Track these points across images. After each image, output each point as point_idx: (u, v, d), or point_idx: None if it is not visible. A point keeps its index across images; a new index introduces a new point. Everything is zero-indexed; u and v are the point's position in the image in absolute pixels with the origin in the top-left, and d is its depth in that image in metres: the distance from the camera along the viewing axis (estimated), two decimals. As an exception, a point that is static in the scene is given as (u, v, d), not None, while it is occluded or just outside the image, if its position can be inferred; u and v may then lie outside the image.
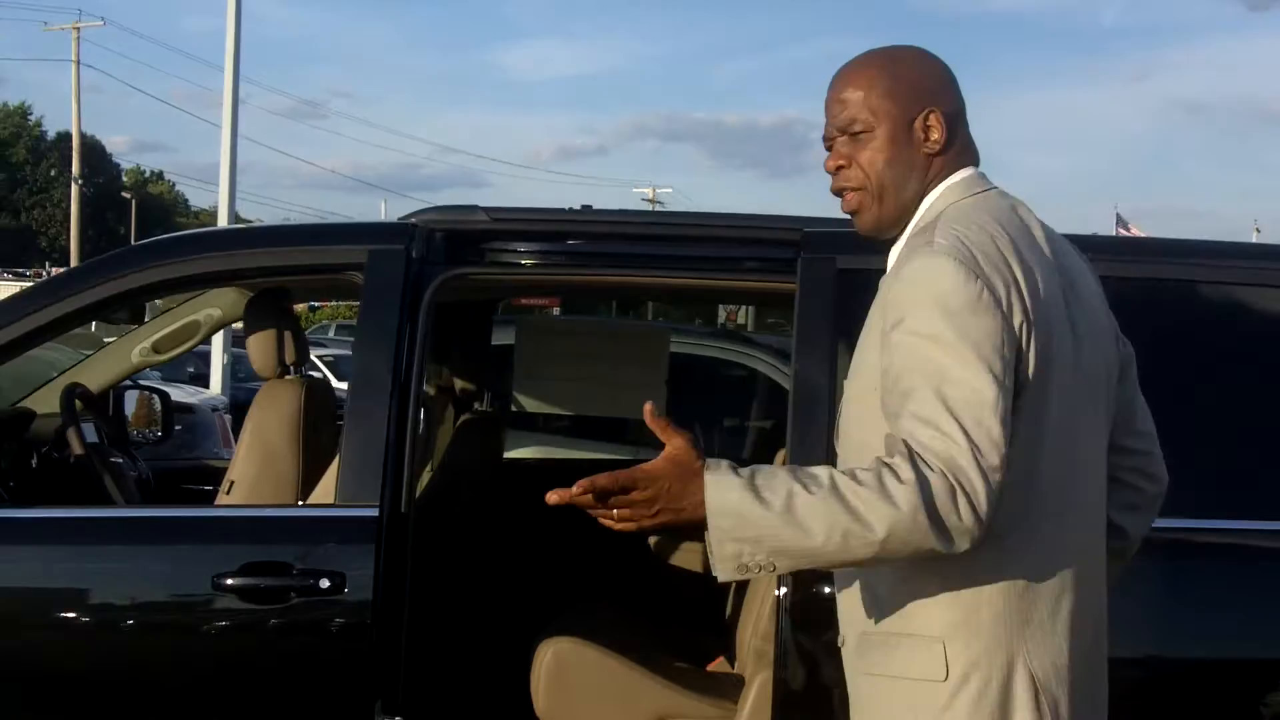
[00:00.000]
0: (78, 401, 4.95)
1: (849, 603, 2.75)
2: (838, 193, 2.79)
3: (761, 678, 4.16)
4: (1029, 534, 2.56)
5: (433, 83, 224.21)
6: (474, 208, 4.37)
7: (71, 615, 4.02)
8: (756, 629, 4.42)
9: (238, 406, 19.42)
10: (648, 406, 2.52)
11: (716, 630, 5.28)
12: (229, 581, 3.87)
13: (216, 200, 24.91)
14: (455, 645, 5.35)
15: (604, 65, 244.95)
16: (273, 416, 4.52)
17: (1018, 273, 2.54)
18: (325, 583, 3.86)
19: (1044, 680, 2.56)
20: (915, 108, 2.70)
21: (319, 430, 4.66)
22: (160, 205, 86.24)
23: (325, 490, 4.32)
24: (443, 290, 4.22)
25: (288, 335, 4.63)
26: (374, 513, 3.93)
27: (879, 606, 2.65)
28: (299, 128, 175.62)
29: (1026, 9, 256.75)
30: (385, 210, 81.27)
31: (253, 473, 4.47)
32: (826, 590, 3.19)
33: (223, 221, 24.75)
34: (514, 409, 6.58)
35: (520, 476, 6.17)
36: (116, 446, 5.25)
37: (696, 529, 2.44)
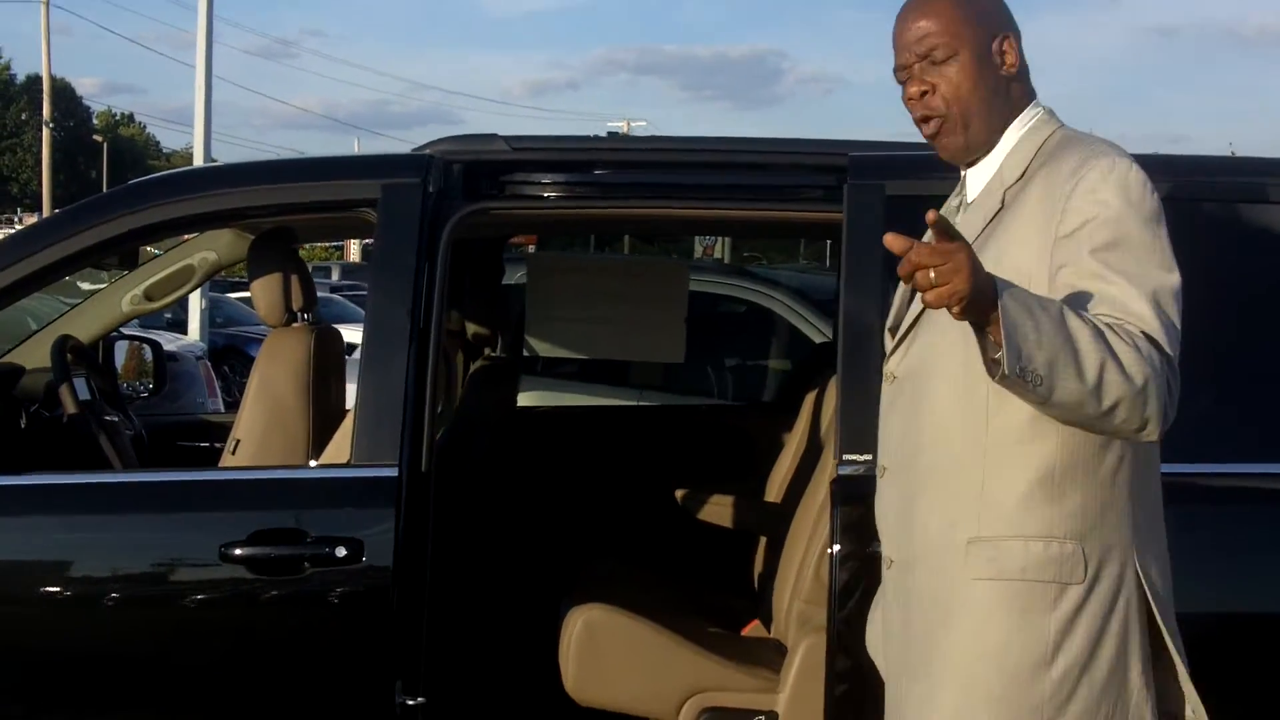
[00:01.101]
0: (69, 355, 4.59)
1: (944, 510, 2.72)
2: (923, 119, 2.81)
3: (808, 644, 3.89)
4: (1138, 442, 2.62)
5: (405, 20, 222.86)
6: (493, 136, 4.04)
7: (68, 590, 3.69)
8: (798, 591, 4.14)
9: (215, 353, 19.13)
10: (930, 214, 2.42)
11: (746, 591, 4.99)
12: (237, 551, 3.57)
13: (188, 142, 24.52)
14: (477, 614, 5.04)
15: (575, 1, 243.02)
16: (281, 368, 4.18)
17: None
18: (341, 551, 3.55)
19: (1152, 583, 2.67)
20: (992, 32, 2.76)
21: (329, 382, 4.33)
22: (132, 148, 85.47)
23: (339, 448, 4.00)
24: (462, 227, 3.89)
25: (294, 279, 4.29)
26: (393, 473, 3.61)
27: (1001, 510, 2.65)
28: (271, 66, 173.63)
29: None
30: (358, 149, 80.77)
31: (260, 430, 4.14)
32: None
33: (199, 163, 24.31)
34: (526, 353, 6.24)
35: (535, 427, 5.84)
36: (110, 403, 4.90)
37: (988, 317, 2.38)
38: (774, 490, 5.11)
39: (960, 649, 2.68)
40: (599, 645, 4.07)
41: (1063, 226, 2.59)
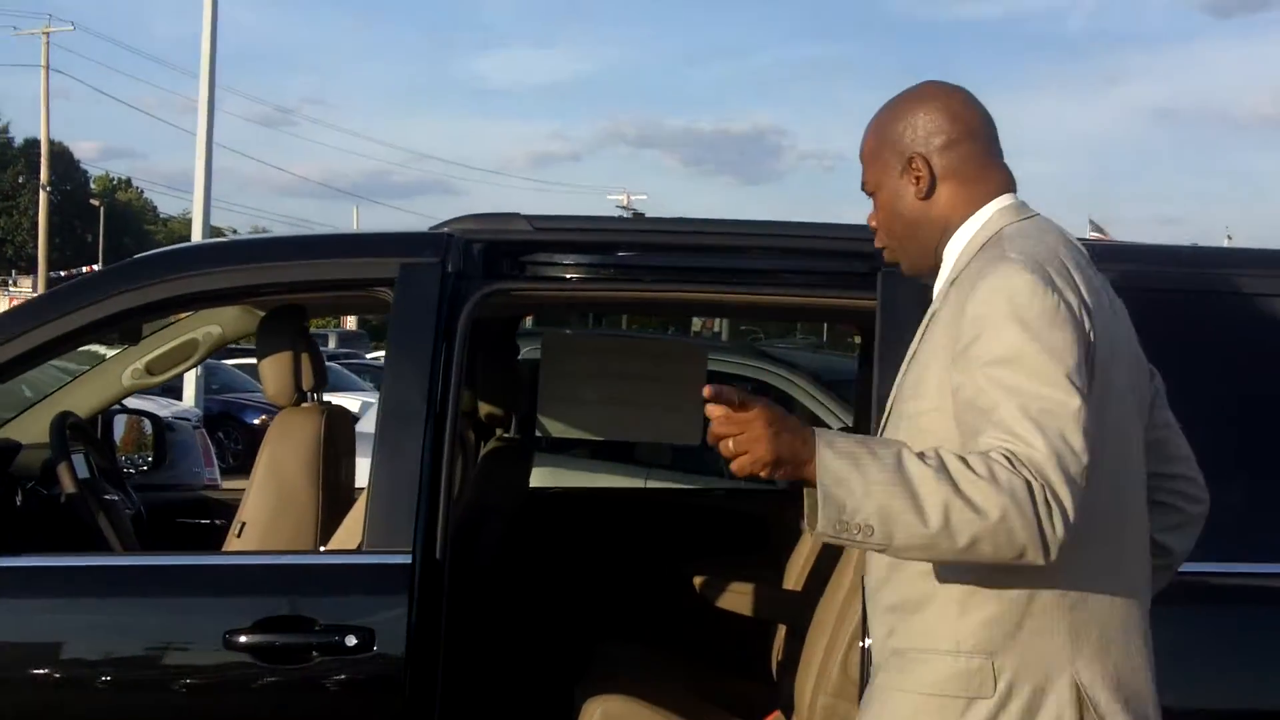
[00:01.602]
0: (68, 431, 4.46)
1: (877, 625, 2.72)
2: (877, 242, 2.88)
3: None
4: (1085, 545, 2.48)
5: (406, 90, 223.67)
6: (514, 215, 3.94)
7: (68, 676, 3.54)
8: (822, 684, 3.99)
9: (210, 420, 18.99)
10: (706, 389, 2.41)
11: (764, 678, 4.85)
12: (243, 639, 3.43)
13: (185, 207, 24.62)
14: (491, 704, 4.89)
15: (577, 72, 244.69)
16: (290, 449, 4.05)
17: (1082, 287, 2.55)
18: (352, 640, 3.42)
19: (1092, 695, 2.52)
20: (901, 158, 2.75)
21: (339, 464, 4.20)
22: (129, 213, 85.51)
23: (349, 534, 3.88)
24: (481, 308, 3.78)
25: (305, 358, 4.18)
26: (406, 559, 3.49)
27: (920, 623, 2.61)
28: (271, 134, 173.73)
29: (992, 16, 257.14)
30: (357, 218, 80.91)
31: (268, 513, 4.01)
32: None
33: (198, 230, 24.30)
34: (538, 434, 6.11)
35: (548, 509, 5.70)
36: (110, 481, 4.76)
37: (794, 473, 2.37)
38: (793, 578, 4.98)
39: None
40: None
41: (960, 340, 2.52)
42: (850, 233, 3.87)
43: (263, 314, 4.96)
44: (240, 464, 18.74)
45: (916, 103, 2.77)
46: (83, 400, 5.03)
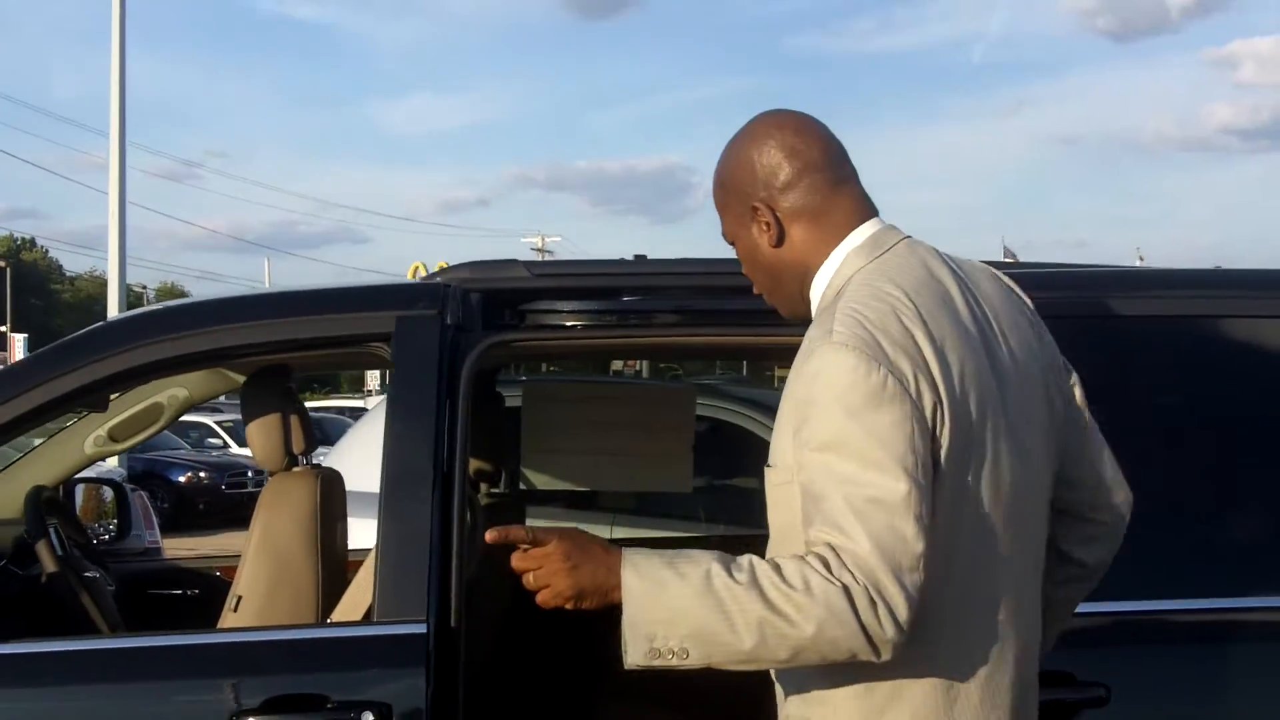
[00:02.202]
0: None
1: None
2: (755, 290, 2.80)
3: None
4: (947, 628, 2.44)
5: (309, 140, 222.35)
6: (513, 262, 3.79)
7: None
8: None
9: (134, 479, 18.61)
10: (489, 534, 2.46)
11: None
12: None
13: (92, 265, 24.35)
14: None
15: (481, 117, 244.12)
16: (285, 517, 3.85)
17: (926, 351, 2.41)
18: (369, 716, 3.22)
19: None
20: (745, 209, 2.63)
21: (335, 530, 4.00)
22: (35, 272, 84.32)
23: (353, 604, 3.69)
24: (483, 360, 3.61)
25: (294, 420, 3.98)
26: (421, 629, 3.30)
27: (798, 707, 2.56)
28: (176, 188, 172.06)
29: (898, 48, 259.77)
30: (269, 270, 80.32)
31: (265, 585, 3.81)
32: None
33: (114, 288, 23.93)
34: (522, 486, 5.91)
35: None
36: (87, 556, 4.53)
37: (607, 607, 2.38)
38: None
39: None
40: None
41: (795, 417, 2.44)
42: None
43: (233, 375, 4.78)
44: (170, 523, 18.41)
45: (749, 142, 2.62)
46: (45, 471, 4.81)
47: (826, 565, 2.29)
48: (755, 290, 2.76)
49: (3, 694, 3.36)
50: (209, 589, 5.10)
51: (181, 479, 22.21)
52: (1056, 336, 2.82)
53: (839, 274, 2.56)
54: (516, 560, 2.42)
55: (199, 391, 4.89)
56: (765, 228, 2.60)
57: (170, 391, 4.87)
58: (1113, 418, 3.52)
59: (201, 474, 22.39)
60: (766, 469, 2.57)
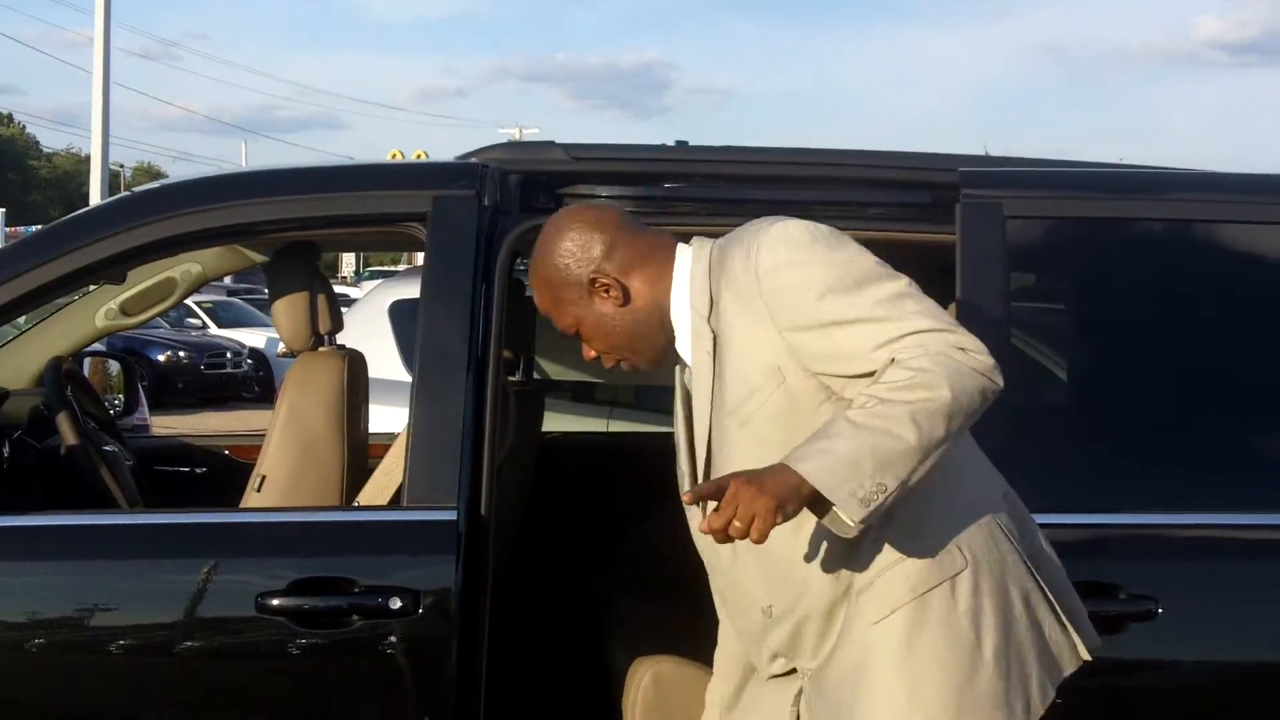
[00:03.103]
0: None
1: (823, 587, 2.69)
2: (607, 364, 2.89)
3: None
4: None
5: (288, 23, 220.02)
6: (551, 144, 3.70)
7: (83, 643, 3.28)
8: None
9: (113, 356, 18.41)
10: (686, 495, 2.60)
11: None
12: (276, 602, 3.19)
13: (69, 142, 24.05)
14: (532, 665, 4.66)
15: (464, 8, 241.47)
16: (311, 398, 3.78)
17: None
18: (396, 602, 3.18)
19: (1012, 531, 2.73)
20: (582, 290, 2.78)
21: (360, 413, 3.93)
22: (12, 148, 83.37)
23: (379, 488, 3.64)
24: (520, 244, 3.53)
25: (321, 299, 3.89)
26: (451, 515, 3.25)
27: (858, 556, 2.64)
28: (155, 68, 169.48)
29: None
30: (245, 153, 79.58)
31: (290, 465, 3.74)
32: None
33: (97, 165, 23.71)
34: (537, 375, 5.83)
35: (564, 457, 5.43)
36: (105, 430, 4.45)
37: (800, 501, 2.43)
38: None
39: (898, 691, 2.61)
40: (667, 700, 3.70)
41: (784, 319, 2.60)
42: (922, 162, 3.68)
43: (249, 253, 4.68)
44: (151, 401, 18.29)
45: (556, 240, 2.80)
46: (55, 344, 4.70)
47: (906, 350, 2.49)
48: (610, 362, 2.85)
49: (22, 566, 3.30)
50: (217, 467, 5.03)
51: (161, 358, 21.98)
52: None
53: (696, 265, 2.75)
54: (715, 520, 2.42)
55: (213, 268, 4.79)
56: (607, 293, 2.76)
57: (184, 267, 4.77)
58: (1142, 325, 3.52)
59: (181, 353, 22.18)
60: (726, 419, 2.69)
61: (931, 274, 4.04)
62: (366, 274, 45.64)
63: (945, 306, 3.56)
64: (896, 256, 4.66)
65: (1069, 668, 2.75)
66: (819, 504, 2.43)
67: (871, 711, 2.63)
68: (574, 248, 2.77)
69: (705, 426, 2.74)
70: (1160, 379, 3.55)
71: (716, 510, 2.42)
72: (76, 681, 3.28)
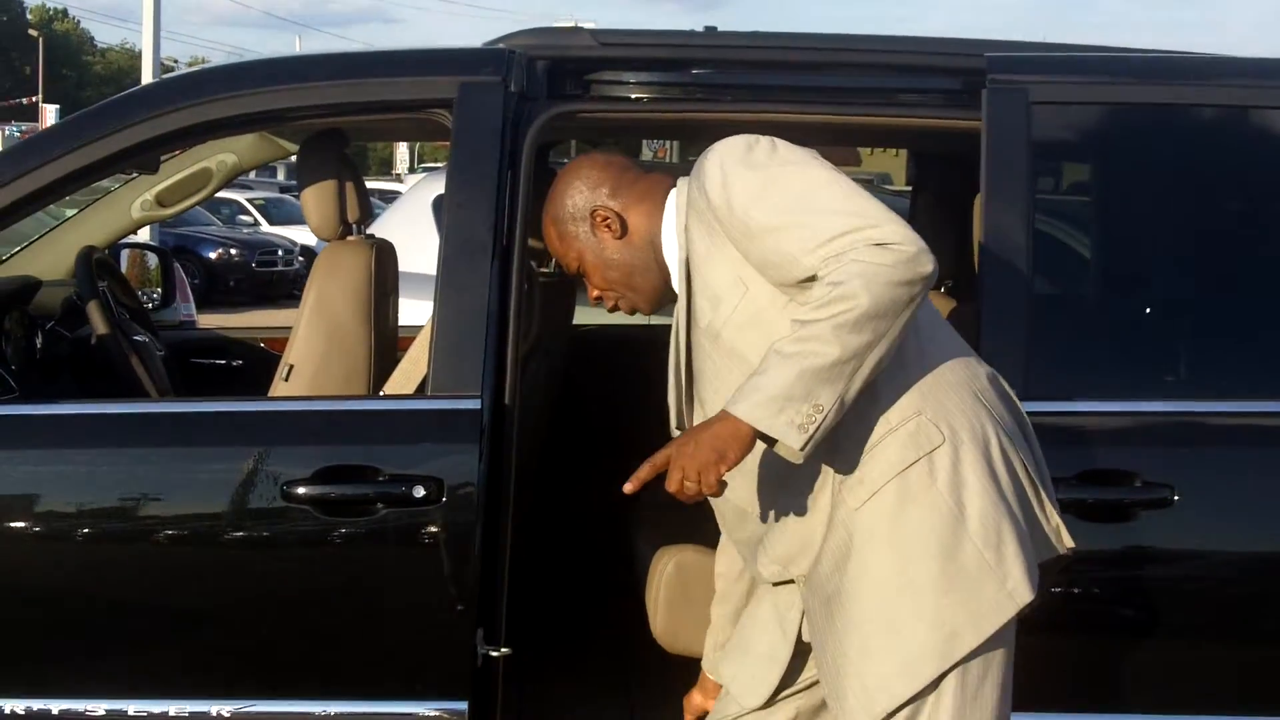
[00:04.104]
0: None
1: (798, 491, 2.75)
2: (608, 304, 2.99)
3: None
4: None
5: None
6: (578, 29, 3.67)
7: (112, 531, 3.31)
8: None
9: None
10: (627, 485, 2.63)
11: None
12: (302, 490, 3.20)
13: (123, 37, 23.88)
14: (557, 556, 4.68)
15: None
16: (339, 287, 3.77)
17: None
18: (420, 490, 3.19)
19: (995, 404, 2.76)
20: (585, 223, 2.90)
21: (388, 303, 3.93)
22: (67, 43, 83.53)
23: (405, 378, 3.64)
24: (547, 131, 3.51)
25: (350, 187, 3.88)
26: (475, 404, 3.26)
27: (851, 446, 2.67)
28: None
29: None
30: (299, 47, 79.38)
31: (318, 355, 3.74)
32: None
33: (148, 62, 23.63)
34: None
35: (597, 349, 5.43)
36: (137, 321, 4.46)
37: (744, 444, 2.52)
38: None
39: (883, 569, 2.64)
40: (691, 589, 3.71)
41: (730, 233, 2.67)
42: (950, 47, 3.63)
43: (283, 142, 4.68)
44: (201, 299, 18.36)
45: (567, 183, 2.93)
46: (91, 234, 4.71)
47: (827, 262, 2.52)
48: (611, 302, 2.95)
49: (53, 454, 3.33)
50: (253, 360, 5.04)
51: (212, 255, 22.08)
52: None
53: (679, 209, 2.81)
54: (669, 485, 2.57)
55: (248, 158, 4.78)
56: (608, 225, 2.87)
57: (219, 157, 4.76)
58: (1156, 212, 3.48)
59: (233, 251, 22.26)
60: (702, 338, 2.77)
61: (962, 160, 4.02)
62: (421, 170, 45.60)
63: (974, 195, 3.56)
64: (925, 143, 4.70)
65: (1056, 550, 2.78)
66: (765, 438, 2.52)
67: (860, 594, 2.64)
68: (582, 185, 2.91)
69: (683, 352, 2.84)
70: (1187, 268, 3.53)
71: (666, 484, 2.56)
72: (104, 570, 3.32)
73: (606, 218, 2.86)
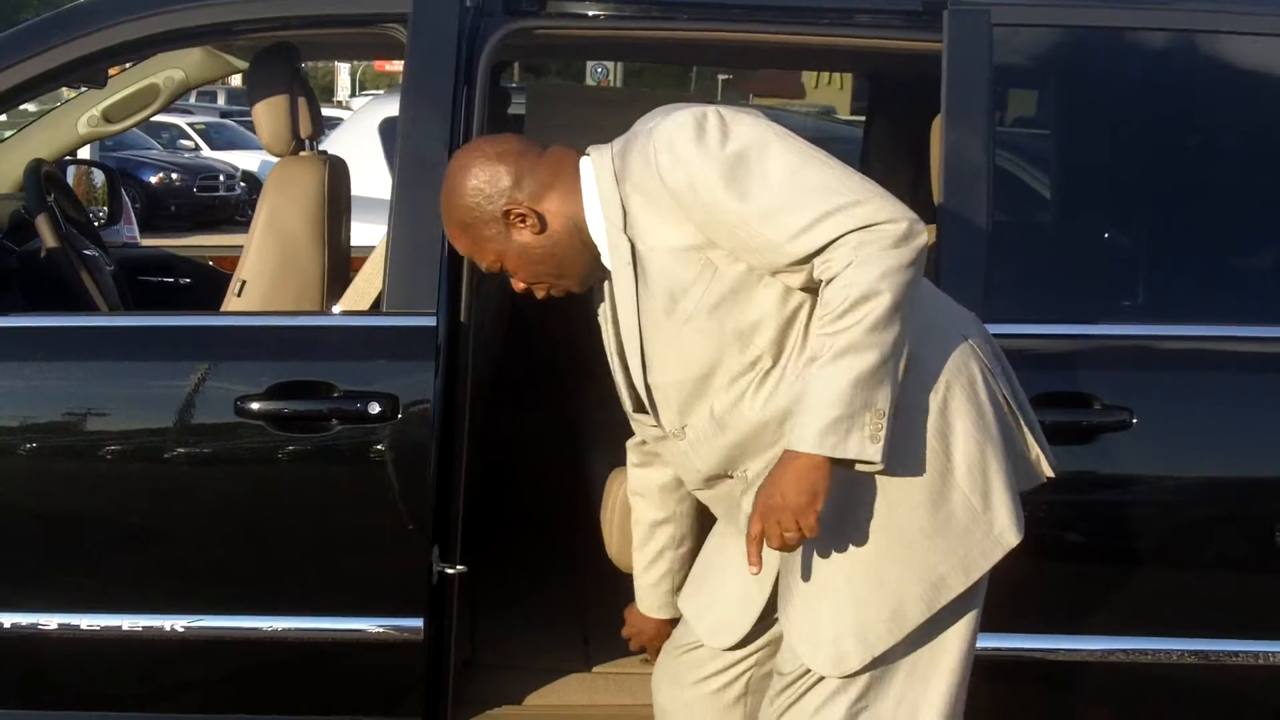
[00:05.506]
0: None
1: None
2: (539, 294, 2.82)
3: None
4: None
5: None
6: None
7: (63, 446, 3.29)
8: None
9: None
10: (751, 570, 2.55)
11: None
12: (255, 405, 3.19)
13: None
14: (511, 476, 4.68)
15: None
16: (292, 203, 3.74)
17: None
18: (375, 407, 3.19)
19: (978, 340, 2.75)
20: (499, 224, 2.70)
21: (340, 220, 3.90)
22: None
23: (359, 295, 3.62)
24: (502, 50, 3.49)
25: (302, 102, 3.83)
26: (431, 321, 3.25)
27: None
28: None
29: None
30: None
31: (271, 270, 3.71)
32: None
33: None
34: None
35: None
36: (87, 236, 4.41)
37: (826, 475, 2.46)
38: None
39: (871, 517, 2.63)
40: None
41: (696, 214, 2.54)
42: None
43: (231, 58, 4.63)
44: (142, 224, 18.11)
45: (462, 177, 2.72)
46: (39, 150, 4.63)
47: (830, 256, 2.44)
48: (542, 292, 2.79)
49: (2, 368, 3.29)
50: (202, 278, 5.01)
51: (153, 179, 21.80)
52: None
53: (601, 178, 2.66)
54: (773, 545, 2.51)
55: (196, 74, 4.71)
56: (523, 222, 2.69)
57: (166, 73, 4.69)
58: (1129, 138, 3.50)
59: (173, 175, 21.97)
60: (666, 320, 2.63)
61: (920, 84, 4.02)
62: (364, 96, 45.22)
63: (931, 120, 3.57)
64: (884, 65, 4.69)
65: (1038, 479, 2.79)
66: (840, 463, 2.45)
67: (845, 542, 2.63)
68: (481, 184, 2.70)
69: (635, 335, 2.71)
70: (1146, 195, 3.54)
71: (773, 543, 2.50)
72: (53, 484, 3.30)
73: (523, 215, 2.69)
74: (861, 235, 2.42)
